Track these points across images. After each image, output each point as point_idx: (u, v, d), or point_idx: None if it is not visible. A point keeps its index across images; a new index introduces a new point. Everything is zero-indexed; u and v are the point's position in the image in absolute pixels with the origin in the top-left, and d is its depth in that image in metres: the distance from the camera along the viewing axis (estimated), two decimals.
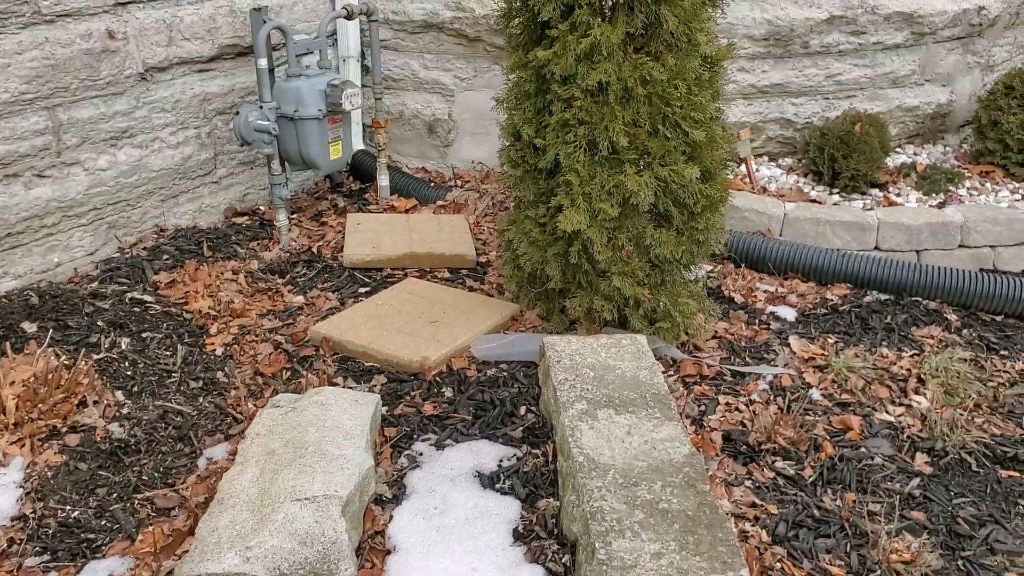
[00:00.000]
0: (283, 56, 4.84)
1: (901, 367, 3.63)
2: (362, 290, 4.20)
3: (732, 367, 3.57)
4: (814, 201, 4.75)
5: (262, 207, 5.05)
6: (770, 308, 4.08)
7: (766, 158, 5.36)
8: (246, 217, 4.93)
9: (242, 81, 4.85)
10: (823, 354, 3.68)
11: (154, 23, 4.41)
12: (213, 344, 3.72)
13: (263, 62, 4.33)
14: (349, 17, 4.81)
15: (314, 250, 4.56)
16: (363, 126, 5.53)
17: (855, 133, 4.80)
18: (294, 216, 4.96)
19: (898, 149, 5.57)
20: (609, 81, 3.19)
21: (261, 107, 4.36)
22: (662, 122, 3.24)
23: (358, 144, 5.51)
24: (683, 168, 3.27)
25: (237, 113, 4.38)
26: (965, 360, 3.67)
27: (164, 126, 4.56)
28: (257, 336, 3.78)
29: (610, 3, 3.17)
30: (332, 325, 3.73)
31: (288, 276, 4.30)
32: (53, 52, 4.00)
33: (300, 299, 4.09)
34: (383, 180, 5.20)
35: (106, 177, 4.32)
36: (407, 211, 5.05)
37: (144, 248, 4.43)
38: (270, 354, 3.65)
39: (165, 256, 4.37)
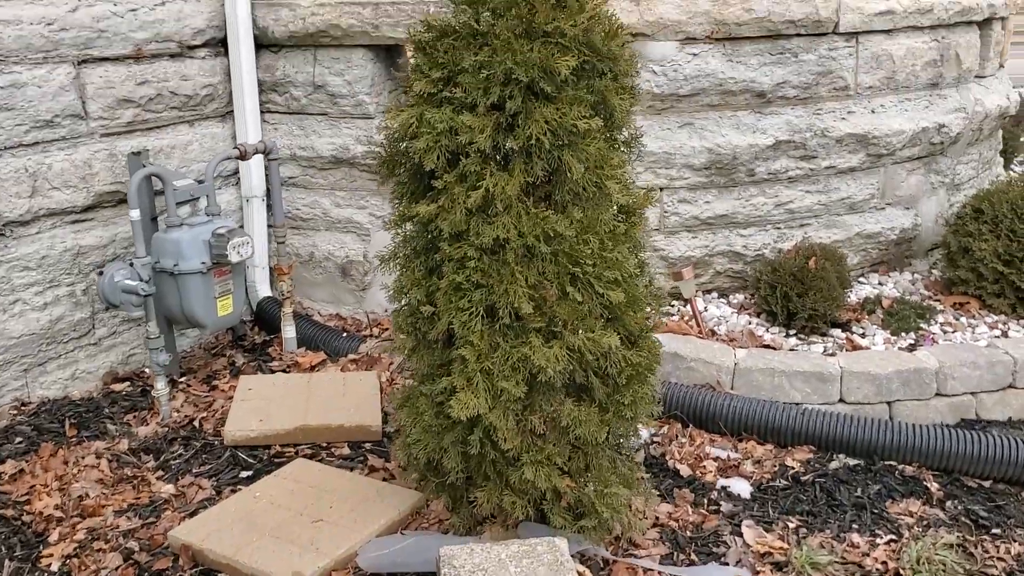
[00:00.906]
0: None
1: (875, 559, 3.03)
2: (244, 474, 3.58)
3: (673, 570, 2.96)
4: (768, 346, 4.22)
5: (148, 370, 4.45)
6: (721, 481, 3.49)
7: (715, 294, 4.86)
8: (127, 383, 4.32)
9: (125, 231, 4.32)
10: (783, 547, 3.08)
11: (13, 173, 3.90)
12: (50, 557, 3.07)
13: (135, 213, 3.80)
14: (243, 157, 4.32)
15: (196, 423, 3.95)
16: (269, 270, 5.00)
17: (810, 269, 4.30)
18: (183, 379, 4.37)
19: (861, 279, 5.09)
20: (507, 238, 2.67)
21: (131, 264, 3.82)
22: (571, 284, 2.71)
23: (264, 291, 4.97)
24: (600, 336, 2.72)
25: (101, 272, 3.84)
26: (951, 545, 3.08)
27: (27, 286, 4.00)
28: (107, 542, 3.13)
29: (505, 149, 2.67)
30: (195, 527, 3.10)
31: (162, 458, 3.68)
32: None
33: (169, 488, 3.46)
34: (288, 332, 4.64)
35: None
36: (312, 368, 4.47)
37: None
38: (118, 567, 3.01)
39: (18, 439, 3.75)
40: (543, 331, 2.73)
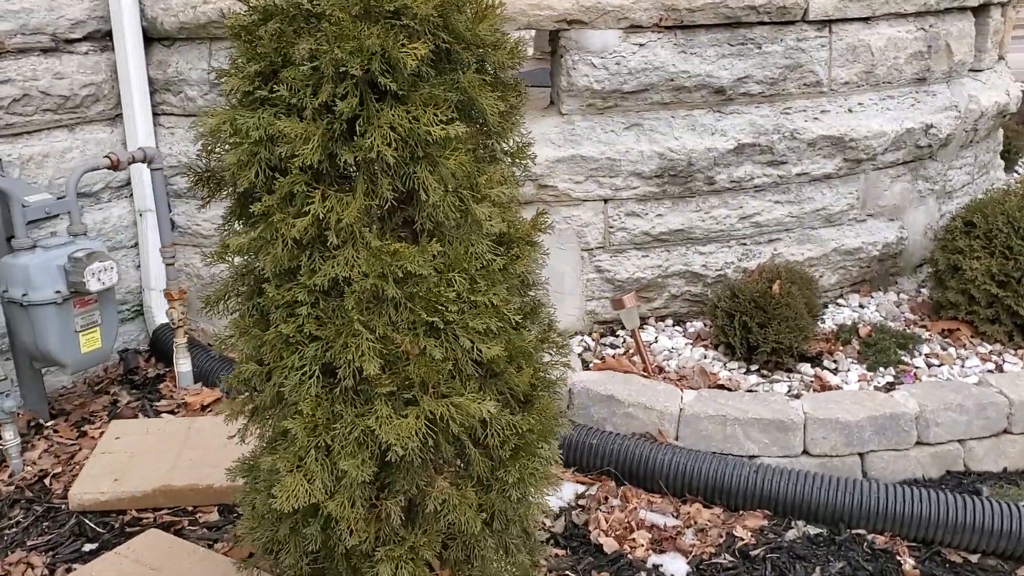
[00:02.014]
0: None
1: None
2: (88, 547, 3.01)
3: None
4: (722, 387, 3.62)
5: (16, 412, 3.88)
6: (653, 559, 2.91)
7: (671, 321, 4.26)
8: None
9: None
10: None
11: None
12: None
13: None
14: (115, 167, 3.74)
15: (49, 480, 3.38)
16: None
17: (773, 295, 3.71)
18: (52, 422, 3.80)
19: (840, 300, 4.49)
20: (349, 277, 2.09)
21: None
22: (430, 335, 2.12)
23: (162, 317, 4.39)
24: (470, 401, 2.14)
25: None
26: None
27: None
28: None
29: (342, 164, 2.08)
30: None
31: None
32: None
33: None
34: (182, 365, 4.06)
35: None
36: (204, 408, 3.89)
37: None
38: None
39: None
40: (395, 397, 2.14)
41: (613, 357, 3.76)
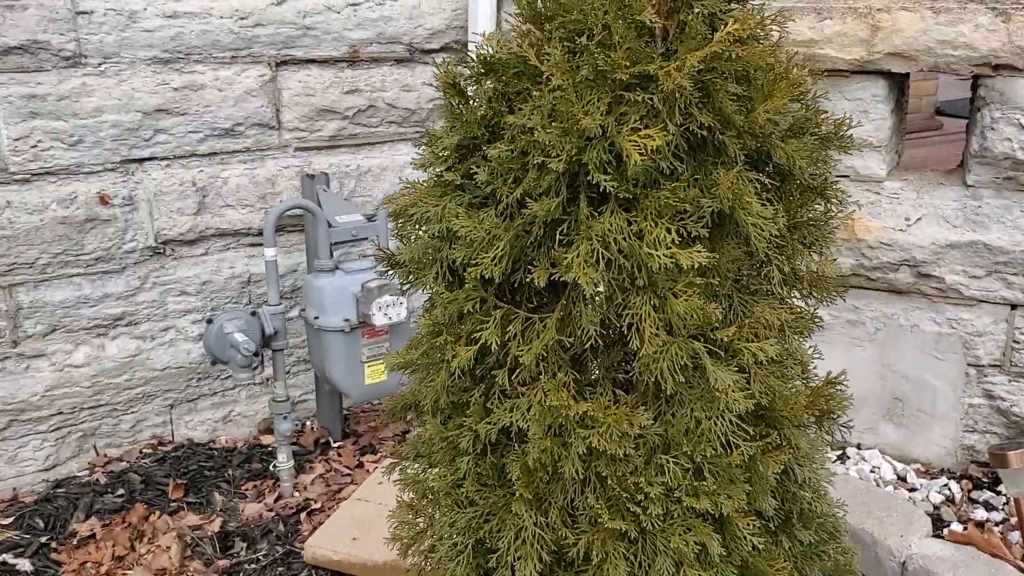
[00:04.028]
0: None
1: None
2: None
3: None
4: None
5: (311, 421, 3.83)
6: None
7: None
8: None
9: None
10: None
11: (178, 185, 3.44)
12: None
13: (271, 252, 3.14)
14: None
15: (305, 515, 3.23)
16: None
17: None
18: (341, 443, 3.68)
19: None
20: (524, 430, 1.53)
21: (255, 313, 3.16)
22: (620, 540, 1.49)
23: None
24: None
25: (210, 321, 3.22)
26: None
27: (184, 312, 3.55)
28: None
29: (530, 281, 1.51)
30: None
31: (238, 558, 3.00)
32: (13, 220, 3.16)
33: None
34: None
35: (80, 375, 3.37)
36: None
37: (110, 471, 3.40)
38: None
39: (120, 491, 3.30)
40: None
41: (980, 527, 2.76)
